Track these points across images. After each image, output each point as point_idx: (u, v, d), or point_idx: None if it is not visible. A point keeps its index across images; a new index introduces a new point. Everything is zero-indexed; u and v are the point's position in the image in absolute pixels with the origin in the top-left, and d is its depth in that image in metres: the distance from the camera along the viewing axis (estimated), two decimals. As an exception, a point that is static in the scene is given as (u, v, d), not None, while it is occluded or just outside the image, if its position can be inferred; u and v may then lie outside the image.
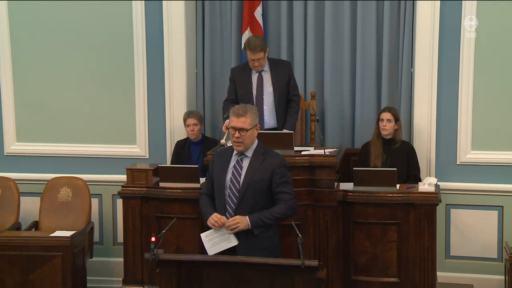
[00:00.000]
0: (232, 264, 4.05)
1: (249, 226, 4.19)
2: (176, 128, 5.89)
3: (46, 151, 6.05)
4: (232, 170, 4.30)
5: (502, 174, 5.56)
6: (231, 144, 4.47)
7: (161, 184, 5.12)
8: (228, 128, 4.43)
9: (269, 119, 5.41)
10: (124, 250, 5.18)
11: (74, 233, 5.33)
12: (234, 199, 4.26)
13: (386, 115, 5.41)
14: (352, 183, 4.98)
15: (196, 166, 5.17)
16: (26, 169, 6.05)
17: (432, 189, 4.93)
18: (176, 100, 5.89)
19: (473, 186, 5.58)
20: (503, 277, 5.36)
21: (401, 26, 5.79)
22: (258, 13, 5.88)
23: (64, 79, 5.98)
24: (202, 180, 5.10)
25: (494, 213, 5.58)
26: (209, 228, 4.30)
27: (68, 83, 5.98)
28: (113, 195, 5.89)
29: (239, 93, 5.40)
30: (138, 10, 5.82)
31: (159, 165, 5.23)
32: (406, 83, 5.78)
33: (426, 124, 5.63)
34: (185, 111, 5.81)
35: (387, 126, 5.40)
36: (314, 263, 3.97)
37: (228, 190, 4.28)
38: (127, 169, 5.19)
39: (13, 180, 5.75)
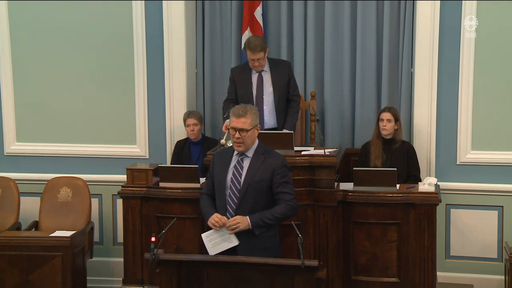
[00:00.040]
0: (232, 264, 4.05)
1: (250, 226, 4.19)
2: (176, 128, 5.89)
3: (46, 151, 6.05)
4: (233, 170, 4.30)
5: (502, 174, 5.56)
6: (231, 144, 4.47)
7: (161, 184, 5.12)
8: (228, 129, 4.43)
9: (269, 119, 5.41)
10: (124, 250, 5.18)
11: (74, 233, 5.33)
12: (234, 199, 4.26)
13: (386, 115, 5.41)
14: (352, 183, 4.98)
15: (196, 166, 5.17)
16: (26, 169, 6.05)
17: (432, 189, 4.93)
18: (176, 100, 5.89)
19: (473, 186, 5.58)
20: (503, 277, 5.36)
21: (401, 26, 5.79)
22: (258, 13, 5.88)
23: (64, 79, 5.98)
24: (202, 180, 5.10)
25: (494, 213, 5.58)
26: (209, 228, 4.30)
27: (68, 83, 5.98)
28: (113, 195, 5.89)
29: (239, 93, 5.40)
30: (138, 10, 5.82)
31: (159, 165, 5.23)
32: (406, 83, 5.78)
33: (426, 124, 5.63)
34: (185, 111, 5.81)
35: (387, 126, 5.40)
36: (314, 263, 3.97)
37: (229, 190, 4.28)
38: (127, 169, 5.19)
39: (13, 180, 5.75)
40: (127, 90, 5.93)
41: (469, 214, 5.61)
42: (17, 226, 5.63)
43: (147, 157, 5.93)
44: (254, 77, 5.39)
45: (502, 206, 5.57)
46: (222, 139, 4.92)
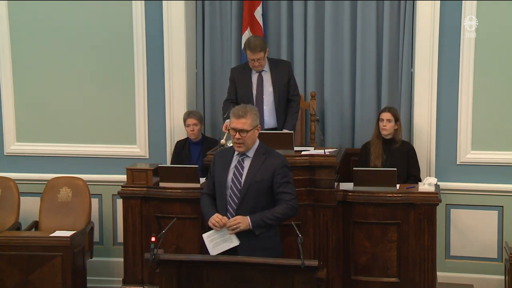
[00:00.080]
0: (232, 264, 4.05)
1: (250, 226, 4.19)
2: (176, 128, 5.89)
3: (46, 151, 6.05)
4: (234, 170, 4.30)
5: (502, 174, 5.56)
6: (231, 144, 4.47)
7: (161, 184, 5.12)
8: (228, 129, 4.43)
9: (269, 119, 5.41)
10: (124, 250, 5.18)
11: (74, 233, 5.33)
12: (235, 199, 4.26)
13: (386, 115, 5.41)
14: (352, 183, 4.98)
15: (196, 166, 5.17)
16: (26, 169, 6.05)
17: (432, 189, 4.93)
18: (176, 100, 5.89)
19: (473, 186, 5.58)
20: (503, 277, 5.36)
21: (401, 26, 5.79)
22: (258, 13, 5.87)
23: (64, 79, 5.98)
24: (202, 180, 5.10)
25: (494, 213, 5.58)
26: (210, 229, 4.30)
27: (68, 83, 5.98)
28: (113, 195, 5.89)
29: (239, 93, 5.40)
30: (138, 10, 5.82)
31: (159, 165, 5.23)
32: (406, 83, 5.78)
33: (426, 124, 5.63)
34: (185, 111, 5.81)
35: (387, 126, 5.40)
36: (314, 263, 3.97)
37: (229, 190, 4.28)
38: (127, 169, 5.19)
39: (13, 180, 5.75)
40: (127, 90, 5.93)
41: (469, 214, 5.61)
42: (17, 226, 5.63)
43: (147, 157, 5.93)
44: (254, 77, 5.39)
45: (502, 206, 5.57)
46: (222, 139, 4.92)
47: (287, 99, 5.43)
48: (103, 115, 5.98)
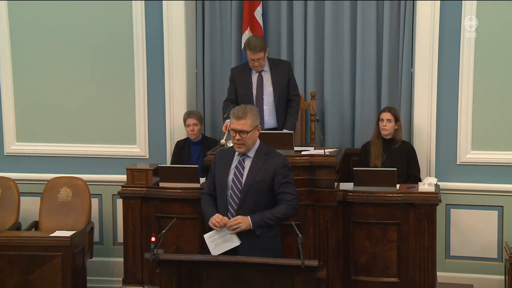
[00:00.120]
0: (232, 264, 4.05)
1: (251, 226, 4.19)
2: (176, 128, 5.89)
3: (46, 151, 6.05)
4: (234, 171, 4.30)
5: (502, 174, 5.56)
6: (231, 144, 4.47)
7: (161, 184, 5.12)
8: (228, 130, 4.43)
9: (269, 119, 5.41)
10: (124, 250, 5.18)
11: (74, 233, 5.33)
12: (236, 199, 4.26)
13: (386, 115, 5.41)
14: (352, 183, 4.98)
15: (196, 166, 5.17)
16: (26, 169, 6.05)
17: (432, 189, 4.93)
18: (176, 100, 5.89)
19: (473, 186, 5.58)
20: (503, 277, 5.36)
21: (401, 26, 5.79)
22: (258, 13, 5.87)
23: (64, 79, 5.98)
24: (202, 180, 5.11)
25: (494, 213, 5.58)
26: (210, 229, 4.30)
27: (68, 83, 5.98)
28: (113, 195, 5.89)
29: (239, 93, 5.40)
30: (138, 10, 5.82)
31: (159, 165, 5.23)
32: (406, 83, 5.78)
33: (426, 124, 5.63)
34: (185, 111, 5.81)
35: (387, 126, 5.40)
36: (314, 263, 3.97)
37: (230, 190, 4.28)
38: (127, 169, 5.19)
39: (13, 180, 5.75)
40: (127, 90, 5.93)
41: (469, 214, 5.61)
42: (17, 226, 5.63)
43: (147, 157, 5.93)
44: (254, 77, 5.39)
45: (502, 206, 5.57)
46: (222, 139, 4.92)
47: (287, 99, 5.43)
48: (103, 115, 5.98)
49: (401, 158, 5.39)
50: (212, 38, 6.09)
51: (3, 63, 6.00)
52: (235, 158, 4.34)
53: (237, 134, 4.23)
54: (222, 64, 6.09)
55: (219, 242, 4.24)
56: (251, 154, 4.31)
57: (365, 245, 4.91)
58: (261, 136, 4.40)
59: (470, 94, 5.55)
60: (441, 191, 5.02)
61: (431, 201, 4.83)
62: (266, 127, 5.33)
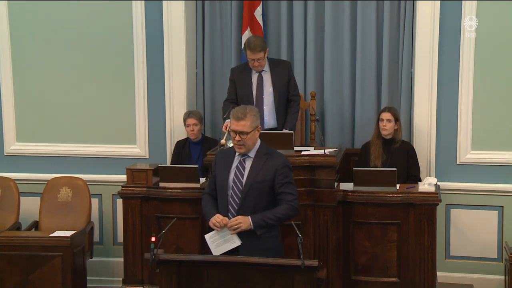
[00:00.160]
0: (232, 264, 4.05)
1: (251, 226, 4.19)
2: (176, 128, 5.89)
3: (46, 151, 6.05)
4: (235, 171, 4.30)
5: (502, 174, 5.56)
6: (231, 144, 4.47)
7: (161, 184, 5.12)
8: (228, 131, 4.43)
9: (269, 119, 5.41)
10: (124, 250, 5.18)
11: (74, 233, 5.33)
12: (236, 199, 4.26)
13: (386, 115, 5.41)
14: (352, 183, 4.98)
15: (196, 166, 5.17)
16: (26, 169, 6.05)
17: (432, 189, 4.93)
18: (176, 100, 5.89)
19: (473, 186, 5.58)
20: (503, 277, 5.36)
21: (401, 26, 5.79)
22: (258, 13, 5.88)
23: (64, 79, 5.98)
24: (202, 180, 5.11)
25: (494, 213, 5.58)
26: (211, 229, 4.30)
27: (68, 83, 5.98)
28: (113, 195, 5.89)
29: (239, 93, 5.40)
30: (138, 10, 5.82)
31: (159, 165, 5.23)
32: (406, 83, 5.78)
33: (426, 124, 5.63)
34: (185, 111, 5.81)
35: (387, 126, 5.40)
36: (314, 263, 3.97)
37: (231, 191, 4.28)
38: (127, 169, 5.19)
39: (13, 180, 5.75)
40: (127, 90, 5.93)
41: (469, 214, 5.61)
42: (17, 226, 5.63)
43: (147, 157, 5.93)
44: (254, 77, 5.39)
45: (502, 206, 5.57)
46: (222, 139, 4.92)
47: (287, 99, 5.42)
48: (103, 115, 5.98)
49: (401, 158, 5.39)
50: (212, 38, 6.09)
51: (3, 63, 6.00)
52: (235, 158, 4.34)
53: (237, 135, 4.23)
54: (222, 64, 6.09)
55: (220, 242, 4.24)
56: (252, 154, 4.31)
57: (365, 245, 4.91)
58: (261, 136, 4.40)
59: (470, 94, 5.55)
60: (441, 191, 5.02)
61: (431, 201, 4.83)
62: (266, 127, 5.33)
